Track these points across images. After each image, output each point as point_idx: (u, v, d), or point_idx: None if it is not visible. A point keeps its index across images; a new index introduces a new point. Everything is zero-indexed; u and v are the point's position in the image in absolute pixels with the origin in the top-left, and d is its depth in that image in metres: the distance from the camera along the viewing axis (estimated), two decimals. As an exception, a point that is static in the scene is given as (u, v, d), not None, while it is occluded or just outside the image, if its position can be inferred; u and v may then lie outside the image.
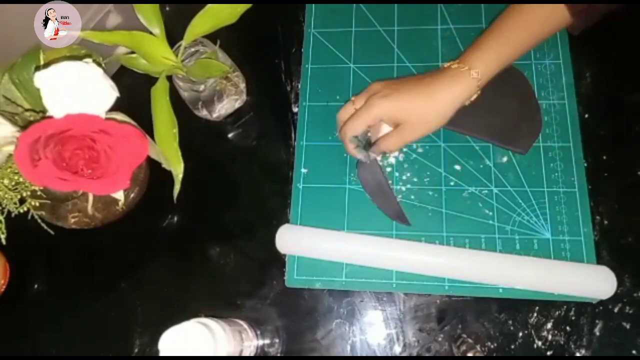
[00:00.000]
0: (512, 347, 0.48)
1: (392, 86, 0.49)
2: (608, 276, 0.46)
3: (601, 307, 0.48)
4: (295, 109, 0.59)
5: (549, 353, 0.47)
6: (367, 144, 0.51)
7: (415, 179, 0.54)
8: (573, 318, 0.48)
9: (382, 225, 0.53)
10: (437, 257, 0.49)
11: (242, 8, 0.49)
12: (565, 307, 0.48)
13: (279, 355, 0.50)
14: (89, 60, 0.45)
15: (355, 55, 0.60)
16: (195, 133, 0.58)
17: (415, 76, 0.51)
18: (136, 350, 0.52)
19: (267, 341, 0.51)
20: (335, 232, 0.52)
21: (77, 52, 0.50)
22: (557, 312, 0.48)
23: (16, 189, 0.48)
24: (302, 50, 0.61)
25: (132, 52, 0.49)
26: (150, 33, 0.49)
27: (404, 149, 0.55)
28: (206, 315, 0.44)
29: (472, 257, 0.49)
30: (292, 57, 0.62)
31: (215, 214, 0.57)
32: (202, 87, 0.53)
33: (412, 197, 0.53)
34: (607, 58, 0.50)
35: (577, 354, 0.47)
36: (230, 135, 0.60)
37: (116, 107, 0.46)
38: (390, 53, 0.59)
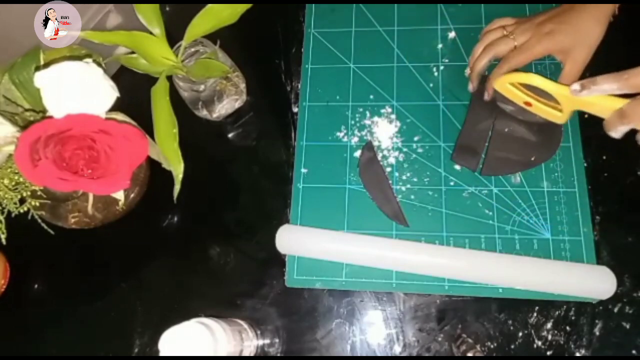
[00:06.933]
0: (512, 347, 0.48)
1: (555, 20, 0.49)
2: (608, 276, 0.46)
3: (601, 307, 0.48)
4: (295, 109, 0.59)
5: (548, 353, 0.47)
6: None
7: (415, 179, 0.54)
8: (573, 318, 0.48)
9: (382, 225, 0.53)
10: (437, 258, 0.49)
11: (242, 8, 0.49)
12: (565, 307, 0.48)
13: (279, 355, 0.50)
14: (89, 60, 0.45)
15: (355, 55, 0.60)
16: (195, 133, 0.58)
17: (553, 9, 0.52)
18: (136, 350, 0.52)
19: (267, 341, 0.51)
20: (335, 232, 0.52)
21: (77, 52, 0.50)
22: (557, 312, 0.48)
23: (16, 189, 0.48)
24: (302, 50, 0.61)
25: (132, 52, 0.49)
26: (150, 33, 0.49)
27: (404, 149, 0.55)
28: (206, 315, 0.44)
29: (472, 257, 0.49)
30: (292, 57, 0.61)
31: (215, 214, 0.57)
32: (202, 87, 0.53)
33: (412, 197, 0.53)
34: (607, 59, 0.50)
35: (577, 354, 0.47)
36: (230, 135, 0.60)
37: (116, 107, 0.46)
38: (390, 53, 0.59)
